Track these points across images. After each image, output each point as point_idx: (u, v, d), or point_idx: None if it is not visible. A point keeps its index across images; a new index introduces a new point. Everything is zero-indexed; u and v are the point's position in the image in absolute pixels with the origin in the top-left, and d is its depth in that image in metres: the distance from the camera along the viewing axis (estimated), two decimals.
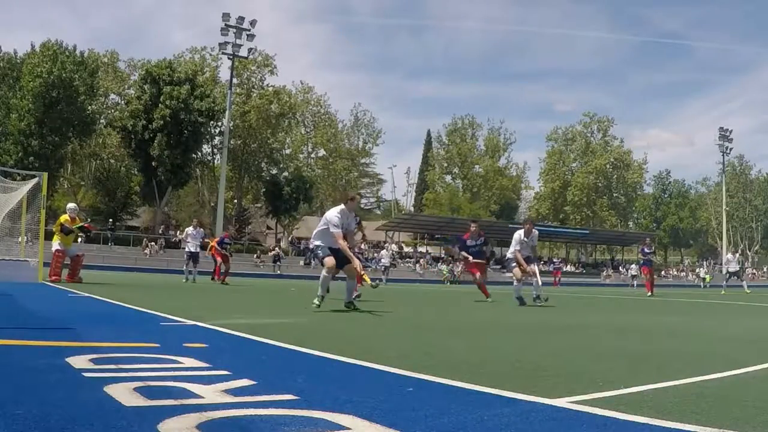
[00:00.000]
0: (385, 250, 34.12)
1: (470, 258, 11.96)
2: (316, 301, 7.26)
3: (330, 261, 7.19)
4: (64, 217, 13.50)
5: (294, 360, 3.51)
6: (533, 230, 11.05)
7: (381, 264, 32.54)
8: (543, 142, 72.60)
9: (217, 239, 19.54)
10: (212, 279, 19.00)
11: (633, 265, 50.93)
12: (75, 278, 13.04)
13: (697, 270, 57.11)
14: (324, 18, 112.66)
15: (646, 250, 18.81)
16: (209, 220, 47.14)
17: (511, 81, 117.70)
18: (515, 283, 10.65)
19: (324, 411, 2.10)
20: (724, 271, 26.13)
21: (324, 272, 7.27)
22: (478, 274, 11.97)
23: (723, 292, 23.21)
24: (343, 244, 7.17)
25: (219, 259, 18.35)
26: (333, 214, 7.27)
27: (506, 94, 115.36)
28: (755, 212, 72.52)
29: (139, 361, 3.04)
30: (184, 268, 18.58)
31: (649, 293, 17.35)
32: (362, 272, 7.57)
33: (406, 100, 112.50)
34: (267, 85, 53.01)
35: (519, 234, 10.89)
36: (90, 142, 47.33)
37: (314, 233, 7.53)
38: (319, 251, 7.39)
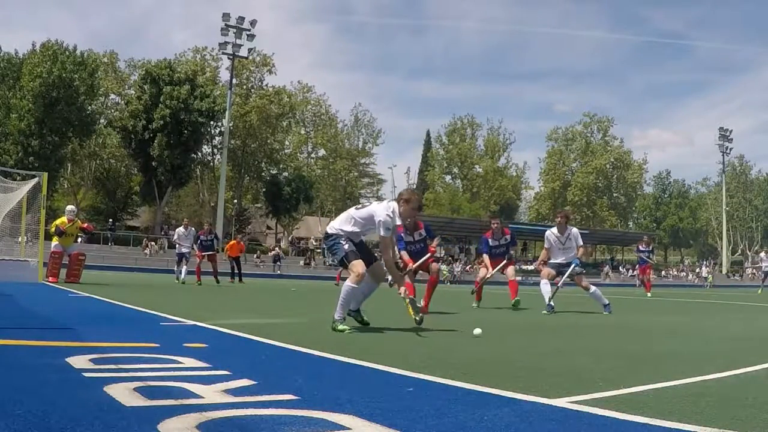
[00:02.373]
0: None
1: (490, 269, 9.62)
2: (339, 326, 4.97)
3: (360, 266, 5.03)
4: (60, 219, 13.54)
5: (294, 360, 3.51)
6: (569, 227, 8.75)
7: None
8: (543, 142, 72.58)
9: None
10: (230, 281, 18.48)
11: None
12: (72, 278, 13.04)
13: (698, 270, 57.10)
14: (324, 18, 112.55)
15: (641, 248, 18.55)
16: (209, 220, 47.13)
17: (511, 81, 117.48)
18: (541, 283, 8.70)
19: (324, 411, 2.10)
20: (760, 272, 26.45)
21: (350, 282, 5.03)
22: (510, 269, 9.64)
23: (759, 291, 23.47)
24: (389, 260, 5.33)
25: (200, 259, 16.53)
26: (384, 212, 5.12)
27: (506, 94, 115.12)
28: (755, 212, 72.53)
29: (139, 361, 3.04)
30: (176, 268, 17.53)
31: (647, 294, 17.25)
32: (406, 300, 5.32)
33: (406, 100, 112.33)
34: (266, 85, 53.08)
35: (549, 233, 8.86)
36: (90, 142, 47.33)
37: (338, 223, 5.32)
38: (344, 243, 5.13)
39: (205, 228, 17.26)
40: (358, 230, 5.23)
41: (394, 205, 5.25)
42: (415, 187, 73.55)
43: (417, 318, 5.22)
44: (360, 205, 5.48)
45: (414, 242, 8.29)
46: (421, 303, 7.68)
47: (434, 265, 8.44)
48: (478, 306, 9.57)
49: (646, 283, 17.80)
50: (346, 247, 5.14)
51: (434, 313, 7.64)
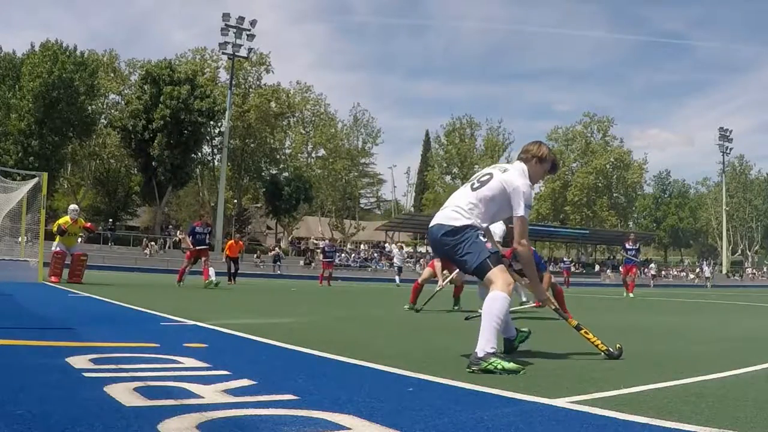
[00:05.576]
0: (397, 250, 33.98)
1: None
2: (505, 363, 3.05)
3: (508, 275, 3.37)
4: (63, 219, 13.53)
5: (294, 360, 3.51)
6: None
7: (394, 265, 32.18)
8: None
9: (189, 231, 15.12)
10: (228, 282, 17.50)
11: (652, 264, 50.87)
12: (74, 278, 13.04)
13: (698, 270, 57.06)
14: (324, 18, 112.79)
15: (627, 246, 17.62)
16: (206, 212, 47.17)
17: (510, 81, 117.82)
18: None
19: (324, 411, 2.10)
20: None
21: (502, 292, 3.25)
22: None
23: None
24: (527, 256, 3.63)
25: (190, 256, 14.49)
26: (522, 180, 3.51)
27: (506, 94, 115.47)
28: (755, 212, 72.51)
29: (139, 361, 3.04)
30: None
31: (629, 294, 16.59)
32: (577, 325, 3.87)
33: (406, 100, 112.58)
34: (264, 84, 53.09)
35: None
36: (90, 142, 47.37)
37: (467, 208, 3.44)
38: (485, 240, 3.43)
39: (202, 219, 15.22)
40: (487, 217, 3.51)
41: (525, 168, 3.61)
42: (414, 187, 73.67)
43: (612, 351, 3.67)
44: (474, 181, 3.59)
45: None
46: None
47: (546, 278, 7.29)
48: (410, 308, 8.33)
49: (630, 283, 16.90)
50: (489, 245, 3.42)
51: (434, 313, 7.62)
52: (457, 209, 3.46)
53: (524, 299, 8.18)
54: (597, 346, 3.69)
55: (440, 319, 7.04)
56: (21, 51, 44.43)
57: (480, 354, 3.08)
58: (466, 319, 5.61)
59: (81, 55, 43.02)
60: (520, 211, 3.43)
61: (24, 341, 3.75)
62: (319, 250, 36.25)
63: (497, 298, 3.23)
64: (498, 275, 3.29)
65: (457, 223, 3.39)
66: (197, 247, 14.33)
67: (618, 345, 3.70)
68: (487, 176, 3.55)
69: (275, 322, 6.06)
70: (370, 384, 2.79)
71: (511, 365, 3.04)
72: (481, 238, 3.40)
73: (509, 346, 3.83)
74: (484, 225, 3.48)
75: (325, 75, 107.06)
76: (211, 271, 14.07)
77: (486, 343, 3.11)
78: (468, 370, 3.06)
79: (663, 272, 56.20)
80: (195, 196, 56.65)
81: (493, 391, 2.56)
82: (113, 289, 11.09)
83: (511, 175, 3.51)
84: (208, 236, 14.73)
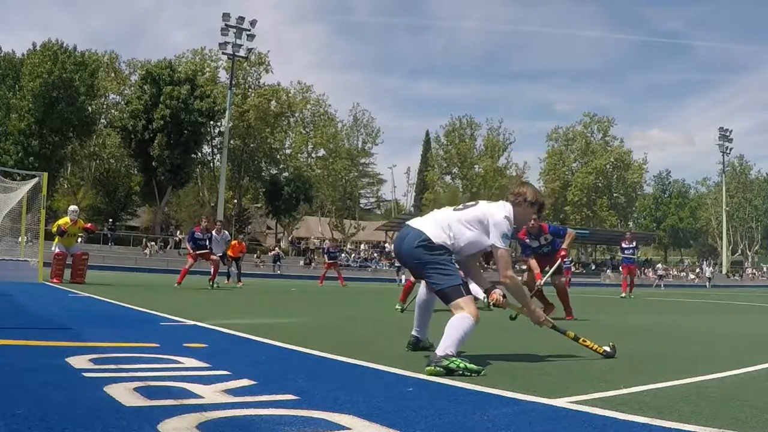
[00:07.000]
0: None
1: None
2: (469, 364, 3.05)
3: (474, 306, 3.44)
4: (63, 220, 13.52)
5: (294, 360, 3.51)
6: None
7: (396, 264, 32.09)
8: (543, 142, 72.49)
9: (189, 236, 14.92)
10: (227, 282, 17.02)
11: (659, 264, 50.78)
12: (76, 278, 13.02)
13: (698, 270, 57.01)
14: (323, 17, 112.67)
15: (624, 245, 17.41)
16: (207, 217, 47.15)
17: (510, 81, 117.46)
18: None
19: (324, 411, 2.10)
20: None
21: (472, 318, 3.34)
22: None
23: None
24: (515, 284, 3.71)
25: (191, 260, 14.27)
26: (501, 213, 3.59)
27: (506, 94, 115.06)
28: (755, 212, 72.48)
29: (139, 361, 3.04)
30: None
31: (624, 294, 16.30)
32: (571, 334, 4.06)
33: (406, 100, 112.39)
34: (263, 83, 53.09)
35: None
36: (90, 142, 47.35)
37: (445, 228, 3.54)
38: (458, 267, 3.65)
39: (202, 224, 14.82)
40: (461, 242, 3.56)
41: (509, 206, 3.68)
42: (414, 187, 73.63)
43: (609, 350, 3.79)
44: (460, 206, 3.77)
45: (540, 246, 7.56)
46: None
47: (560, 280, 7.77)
48: (402, 309, 7.84)
49: (630, 282, 16.58)
50: (462, 273, 3.60)
51: (433, 313, 7.58)
52: (437, 224, 3.55)
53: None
54: (596, 350, 3.82)
55: (440, 319, 7.03)
56: (21, 51, 44.49)
57: (440, 353, 3.11)
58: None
59: (81, 55, 42.99)
60: (498, 243, 3.51)
61: (24, 341, 3.75)
62: (322, 250, 36.19)
63: (469, 318, 3.31)
64: (468, 304, 3.38)
65: (436, 240, 3.47)
66: (197, 252, 14.27)
67: (611, 343, 3.79)
68: (473, 203, 3.75)
69: (275, 322, 6.06)
70: (370, 384, 2.79)
71: (473, 366, 3.05)
72: (455, 264, 3.52)
73: (415, 344, 4.11)
74: (458, 249, 3.55)
75: (325, 75, 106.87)
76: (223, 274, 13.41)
77: (450, 345, 3.16)
78: (427, 368, 3.03)
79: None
80: (195, 196, 56.60)
81: (493, 391, 2.57)
82: (113, 289, 11.09)
83: (494, 208, 3.62)
84: (208, 242, 14.52)
